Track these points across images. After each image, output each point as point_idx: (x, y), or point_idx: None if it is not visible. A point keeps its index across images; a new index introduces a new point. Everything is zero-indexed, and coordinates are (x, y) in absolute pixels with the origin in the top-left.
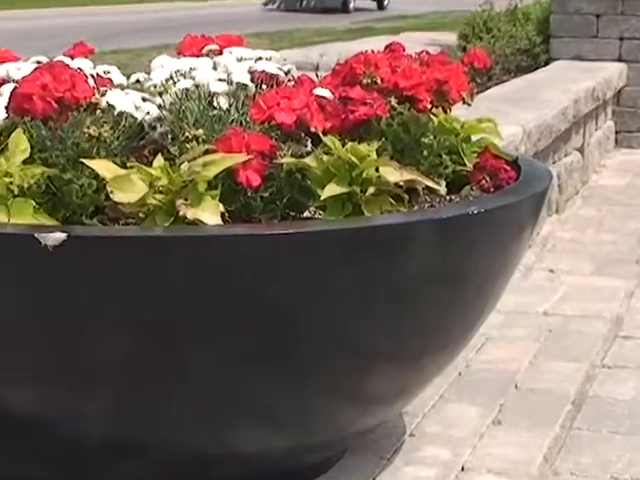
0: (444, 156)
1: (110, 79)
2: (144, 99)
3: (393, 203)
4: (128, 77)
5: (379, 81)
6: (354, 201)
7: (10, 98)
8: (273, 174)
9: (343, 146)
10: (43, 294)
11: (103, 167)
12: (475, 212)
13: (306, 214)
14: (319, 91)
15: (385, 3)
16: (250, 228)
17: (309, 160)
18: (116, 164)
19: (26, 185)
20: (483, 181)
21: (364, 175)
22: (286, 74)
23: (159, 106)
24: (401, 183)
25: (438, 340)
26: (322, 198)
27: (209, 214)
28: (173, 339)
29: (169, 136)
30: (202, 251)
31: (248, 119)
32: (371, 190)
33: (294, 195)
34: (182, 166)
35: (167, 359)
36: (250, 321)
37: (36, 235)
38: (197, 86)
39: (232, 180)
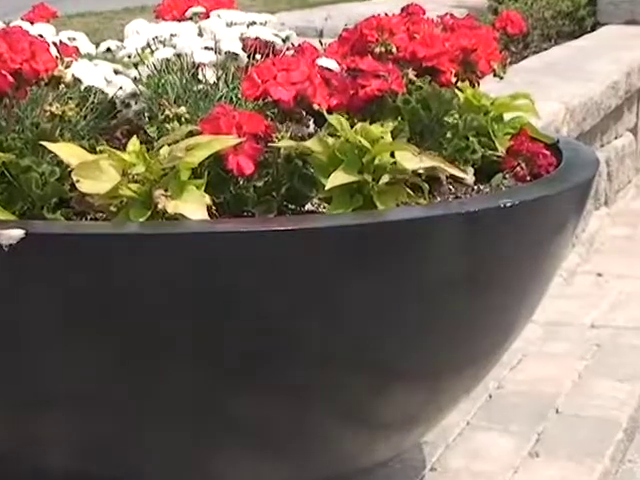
0: (471, 139)
1: (76, 48)
2: (116, 72)
3: (411, 194)
4: (97, 45)
5: (394, 50)
6: (365, 192)
7: None
8: (269, 160)
9: (352, 127)
10: None
11: (68, 152)
12: (508, 205)
13: (308, 207)
14: (323, 62)
15: None
16: (242, 224)
17: (311, 143)
18: (83, 148)
19: None
20: (517, 168)
21: (377, 161)
22: (284, 41)
23: (134, 79)
24: (420, 171)
25: (464, 355)
26: (327, 188)
27: (193, 207)
28: (148, 353)
29: (146, 115)
30: (185, 251)
31: (239, 95)
32: (385, 179)
33: (294, 185)
34: (161, 150)
35: (140, 377)
36: (241, 333)
37: None
38: (179, 56)
39: (220, 167)
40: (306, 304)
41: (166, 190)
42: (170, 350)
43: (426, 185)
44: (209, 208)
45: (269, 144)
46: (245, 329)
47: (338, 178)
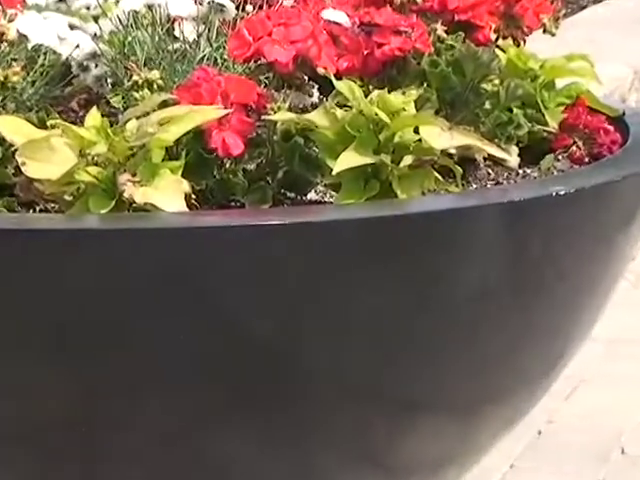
0: (515, 110)
1: None
2: (72, 26)
3: (440, 180)
4: None
5: None
6: (382, 177)
7: None
8: (262, 137)
9: (366, 96)
10: None
11: (11, 127)
12: (561, 194)
13: (311, 196)
14: (330, 14)
15: None
16: (228, 217)
17: (315, 116)
18: (30, 122)
19: None
20: (573, 147)
21: (397, 138)
22: None
23: (94, 36)
24: (452, 150)
25: (505, 382)
26: (334, 172)
27: (167, 196)
28: (110, 379)
29: (108, 81)
30: (157, 251)
31: (225, 56)
32: (407, 161)
33: (293, 168)
34: (128, 125)
35: (101, 409)
36: (226, 355)
37: None
38: (150, 7)
39: (202, 146)
40: (308, 318)
41: (134, 175)
42: (137, 378)
43: (459, 168)
44: (187, 197)
45: (262, 117)
46: (232, 350)
47: (349, 160)
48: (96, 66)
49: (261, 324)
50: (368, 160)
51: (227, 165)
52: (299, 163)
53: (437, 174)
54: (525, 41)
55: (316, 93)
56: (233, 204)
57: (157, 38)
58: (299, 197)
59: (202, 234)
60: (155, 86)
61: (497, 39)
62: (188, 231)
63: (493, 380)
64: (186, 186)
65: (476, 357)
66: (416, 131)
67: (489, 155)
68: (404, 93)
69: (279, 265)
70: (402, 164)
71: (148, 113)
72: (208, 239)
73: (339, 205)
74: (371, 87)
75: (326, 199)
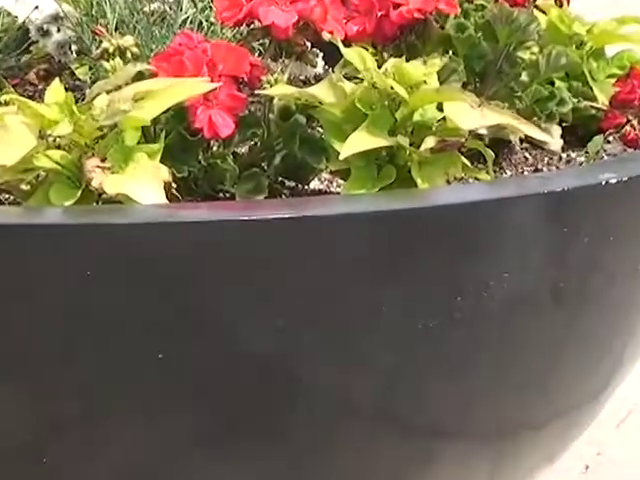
0: (558, 83)
1: None
2: None
3: (468, 166)
4: None
5: None
6: (399, 162)
7: None
8: (256, 115)
9: (380, 66)
10: None
11: None
12: (612, 182)
13: (314, 185)
14: None
15: None
16: (216, 210)
17: (320, 91)
18: None
19: None
20: (626, 127)
21: (417, 117)
22: None
23: None
24: (482, 131)
25: (545, 405)
26: (342, 157)
27: (143, 185)
28: (63, 405)
29: (73, 48)
30: (130, 250)
31: (213, 19)
32: (429, 143)
33: (293, 152)
34: (97, 101)
35: (58, 435)
36: (215, 372)
37: None
38: None
39: (184, 126)
40: (310, 329)
41: (103, 160)
42: (108, 400)
43: (491, 152)
44: (167, 187)
45: (257, 91)
46: (223, 366)
47: (359, 142)
48: (58, 30)
49: (252, 337)
50: (382, 142)
51: (214, 149)
52: (300, 146)
53: (464, 159)
54: (569, 0)
55: (320, 63)
56: (221, 195)
57: None
58: (300, 187)
59: (184, 230)
60: (129, 54)
61: None
62: (168, 227)
63: (531, 403)
64: (165, 173)
65: (511, 376)
66: (440, 108)
67: (526, 136)
68: (425, 63)
69: (276, 267)
70: (423, 147)
71: (120, 87)
72: (191, 236)
73: (348, 196)
74: (386, 55)
75: (332, 189)
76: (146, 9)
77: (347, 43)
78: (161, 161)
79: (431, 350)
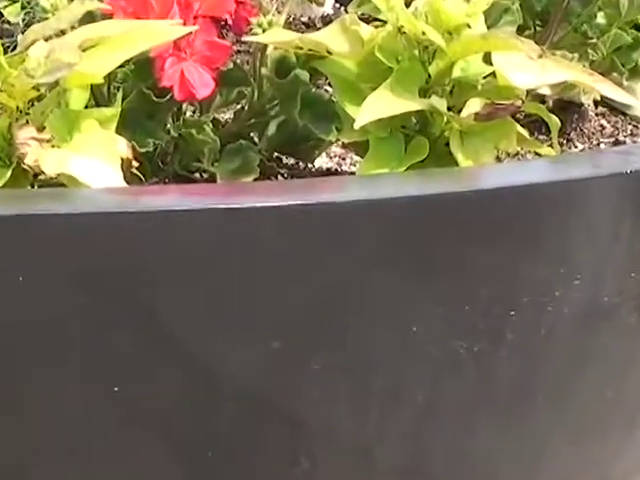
0: None
1: None
2: None
3: (525, 137)
4: None
5: None
6: (433, 133)
7: None
8: (244, 71)
9: (408, 5)
10: None
11: None
12: None
13: (321, 163)
14: None
15: None
16: (190, 195)
17: (328, 36)
18: None
19: None
20: None
21: (457, 72)
22: None
23: None
24: (544, 91)
25: (626, 448)
26: (358, 125)
27: (94, 163)
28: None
29: None
30: (77, 248)
31: None
32: (474, 107)
33: (292, 119)
34: (32, 51)
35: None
36: (186, 415)
37: None
38: None
39: (149, 84)
40: (317, 353)
41: (41, 129)
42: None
43: (555, 119)
44: (126, 165)
45: (244, 38)
46: (198, 404)
47: (380, 105)
48: None
49: (239, 365)
50: (411, 106)
51: (188, 114)
52: (302, 111)
53: (521, 129)
54: None
55: (330, 0)
56: (197, 176)
57: None
58: (302, 165)
59: (148, 222)
60: None
61: None
62: (125, 218)
63: (617, 452)
64: (123, 147)
65: (588, 416)
66: (488, 60)
67: (603, 98)
68: (468, 0)
69: (270, 271)
70: (465, 112)
71: (64, 32)
72: (157, 231)
73: (365, 178)
74: None
75: (344, 168)
76: None
77: None
78: (118, 131)
79: (475, 383)
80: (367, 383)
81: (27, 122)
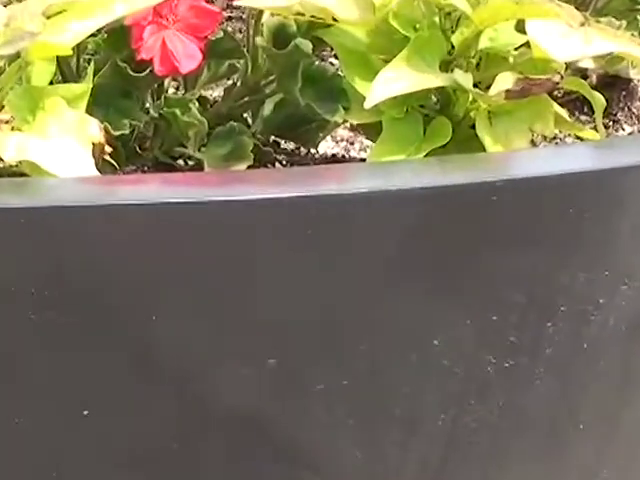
0: None
1: None
2: None
3: (565, 118)
4: None
5: None
6: (457, 113)
7: None
8: (236, 40)
9: None
10: None
11: None
12: None
13: (326, 148)
14: None
15: None
16: (173, 186)
17: (333, 0)
18: None
19: None
20: None
21: (485, 42)
22: None
23: None
24: (587, 64)
25: None
26: (370, 105)
27: (61, 148)
28: None
29: None
30: (40, 246)
31: None
32: (505, 83)
33: (293, 97)
34: None
35: None
36: (166, 447)
37: None
38: None
39: (125, 57)
40: (321, 373)
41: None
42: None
43: (600, 98)
44: (98, 150)
45: (236, 2)
46: (180, 433)
47: (395, 81)
48: None
49: (228, 387)
50: (431, 82)
51: (171, 92)
52: (304, 87)
53: (559, 108)
54: None
55: None
56: (182, 163)
57: None
58: (304, 150)
59: (124, 218)
60: None
61: None
62: (98, 213)
63: None
64: (95, 130)
65: (628, 438)
66: (520, 29)
67: None
68: None
69: (264, 273)
70: (495, 89)
71: None
72: (134, 227)
73: (378, 165)
74: None
75: (353, 153)
76: None
77: None
78: (88, 111)
79: (507, 407)
80: (380, 408)
81: None
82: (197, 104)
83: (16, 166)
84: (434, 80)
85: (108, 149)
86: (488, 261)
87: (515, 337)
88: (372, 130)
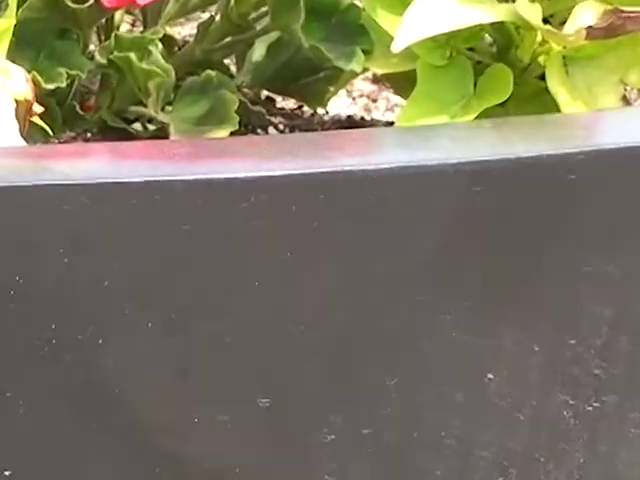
0: None
1: None
2: None
3: None
4: None
5: None
6: (520, 59)
7: None
8: None
9: None
10: None
11: None
12: None
13: (340, 108)
14: None
15: None
16: (127, 159)
17: None
18: None
19: None
20: None
21: None
22: None
23: None
24: None
25: None
26: (399, 48)
27: None
28: None
29: None
30: None
31: None
32: (585, 15)
33: (293, 37)
34: None
35: None
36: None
37: None
38: None
39: None
40: (324, 411)
41: None
42: None
43: None
44: (26, 110)
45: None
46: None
47: (434, 16)
48: None
49: (205, 434)
50: (483, 15)
51: (123, 29)
52: (308, 23)
53: None
54: None
55: None
56: (139, 127)
57: None
58: (307, 111)
59: (60, 200)
60: None
61: None
62: (25, 194)
63: None
64: (21, 82)
65: None
66: None
67: None
68: None
69: (260, 275)
70: (572, 26)
71: None
72: (75, 212)
73: (409, 131)
74: None
75: (375, 115)
76: None
77: None
78: (10, 56)
79: (590, 464)
80: (413, 469)
81: None
82: (160, 46)
83: None
84: (487, 13)
85: (38, 109)
86: (563, 262)
87: (601, 368)
88: (402, 83)
